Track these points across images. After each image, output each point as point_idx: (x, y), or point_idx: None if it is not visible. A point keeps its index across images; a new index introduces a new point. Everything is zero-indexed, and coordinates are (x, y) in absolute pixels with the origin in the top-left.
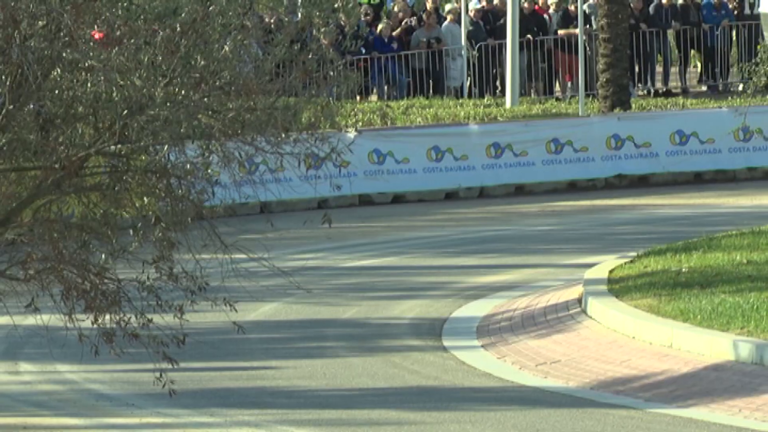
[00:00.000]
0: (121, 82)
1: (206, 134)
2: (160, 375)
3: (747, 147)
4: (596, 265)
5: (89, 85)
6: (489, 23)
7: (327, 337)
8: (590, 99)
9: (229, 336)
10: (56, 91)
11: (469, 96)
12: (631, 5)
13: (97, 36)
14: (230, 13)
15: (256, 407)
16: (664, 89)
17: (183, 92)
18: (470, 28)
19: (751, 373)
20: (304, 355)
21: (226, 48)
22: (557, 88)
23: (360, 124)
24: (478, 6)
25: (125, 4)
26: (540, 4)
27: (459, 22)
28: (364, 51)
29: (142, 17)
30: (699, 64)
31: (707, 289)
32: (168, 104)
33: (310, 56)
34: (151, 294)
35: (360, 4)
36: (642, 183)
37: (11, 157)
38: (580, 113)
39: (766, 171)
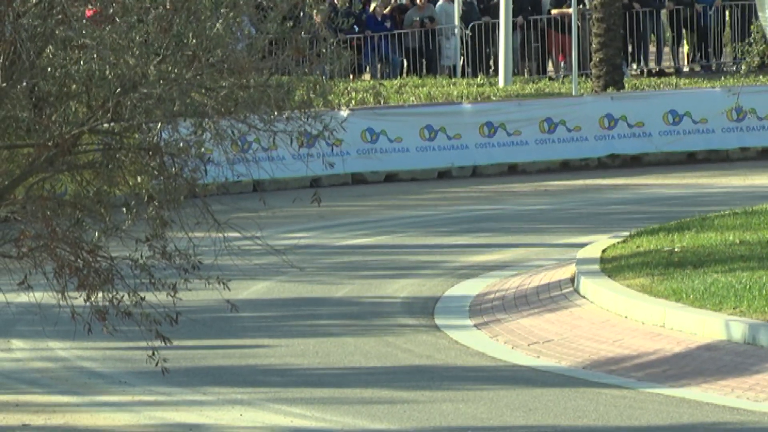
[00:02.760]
0: (114, 60)
1: (199, 112)
2: (153, 353)
3: (740, 127)
4: (589, 245)
5: (82, 63)
6: (482, 2)
7: (320, 315)
8: (583, 78)
9: (222, 314)
10: (49, 69)
11: (463, 75)
12: None
13: (89, 13)
14: None
15: (249, 385)
16: (657, 69)
17: (176, 70)
18: (464, 7)
19: (743, 353)
20: (296, 333)
21: (219, 26)
22: (550, 67)
23: (353, 102)
24: None
25: None
26: None
27: (453, 1)
28: (357, 29)
29: None
30: (686, 46)
31: (700, 269)
32: (161, 82)
33: (302, 34)
34: (144, 272)
35: None
36: (635, 163)
37: (4, 134)
38: (573, 93)
39: (759, 151)
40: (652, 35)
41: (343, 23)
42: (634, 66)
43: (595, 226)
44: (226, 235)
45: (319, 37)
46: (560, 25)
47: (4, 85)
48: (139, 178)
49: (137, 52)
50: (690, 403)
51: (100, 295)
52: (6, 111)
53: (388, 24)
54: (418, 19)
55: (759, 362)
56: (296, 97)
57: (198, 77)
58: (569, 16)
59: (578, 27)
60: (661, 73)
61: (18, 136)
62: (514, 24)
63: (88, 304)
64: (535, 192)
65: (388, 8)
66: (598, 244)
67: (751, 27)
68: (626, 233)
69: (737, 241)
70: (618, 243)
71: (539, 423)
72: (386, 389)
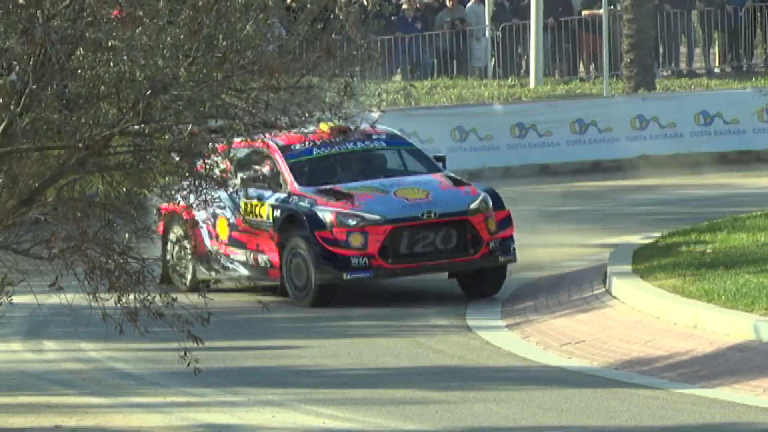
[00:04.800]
0: (144, 62)
1: (230, 114)
2: (185, 354)
3: None
4: (621, 246)
5: (112, 65)
6: (513, 3)
7: (352, 316)
8: (614, 79)
9: (254, 315)
10: (79, 71)
11: (494, 76)
12: None
13: (115, 12)
14: None
15: (281, 386)
16: (688, 70)
17: (206, 72)
18: (494, 8)
19: None
20: (328, 334)
21: (249, 27)
22: (581, 68)
23: (384, 104)
24: None
25: None
26: None
27: (483, 2)
28: (387, 31)
29: None
30: (717, 46)
31: (732, 270)
32: (191, 84)
33: (333, 35)
34: (175, 273)
35: None
36: (666, 163)
37: (35, 136)
38: (604, 94)
39: None
40: (683, 36)
41: (374, 25)
42: (665, 67)
43: (626, 227)
44: None
45: (350, 39)
46: (591, 26)
47: (35, 87)
48: (168, 179)
49: (167, 54)
50: (722, 403)
51: (132, 296)
52: (36, 113)
53: (418, 25)
54: (448, 20)
55: None
56: (327, 99)
57: (228, 79)
58: (600, 17)
59: (609, 28)
60: (692, 74)
61: (48, 138)
62: (545, 25)
63: (119, 305)
64: (567, 193)
65: (416, 7)
66: (629, 244)
67: None
68: (658, 234)
69: None
70: (650, 244)
71: (571, 423)
72: (418, 390)
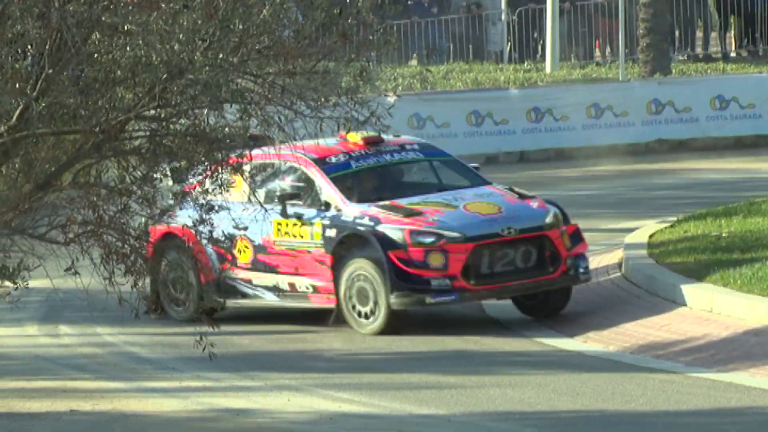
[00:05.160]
0: (160, 46)
1: (245, 98)
2: (201, 338)
3: None
4: (636, 230)
5: (128, 49)
6: None
7: None
8: (630, 64)
9: None
10: (95, 56)
11: (509, 61)
12: None
13: None
14: None
15: (297, 371)
16: (704, 54)
17: (222, 56)
18: None
19: None
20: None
21: (266, 12)
22: (597, 53)
23: (400, 88)
24: None
25: None
26: None
27: None
28: (403, 15)
29: None
30: (733, 31)
31: (747, 254)
32: (207, 68)
33: (349, 20)
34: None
35: None
36: (682, 148)
37: (51, 121)
38: (620, 78)
39: None
40: (699, 20)
41: (390, 9)
42: (681, 51)
43: (642, 211)
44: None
45: (365, 23)
46: (607, 11)
47: (51, 71)
48: (184, 164)
49: (183, 38)
50: (738, 387)
51: (148, 281)
52: (52, 97)
53: (434, 10)
54: (464, 4)
55: None
56: (343, 84)
57: (244, 63)
58: (616, 1)
59: (625, 12)
60: (708, 59)
61: (64, 122)
62: (561, 9)
63: (135, 289)
64: (583, 177)
65: None
66: (645, 228)
67: None
68: (673, 218)
69: None
70: (665, 228)
71: (587, 408)
72: (433, 374)
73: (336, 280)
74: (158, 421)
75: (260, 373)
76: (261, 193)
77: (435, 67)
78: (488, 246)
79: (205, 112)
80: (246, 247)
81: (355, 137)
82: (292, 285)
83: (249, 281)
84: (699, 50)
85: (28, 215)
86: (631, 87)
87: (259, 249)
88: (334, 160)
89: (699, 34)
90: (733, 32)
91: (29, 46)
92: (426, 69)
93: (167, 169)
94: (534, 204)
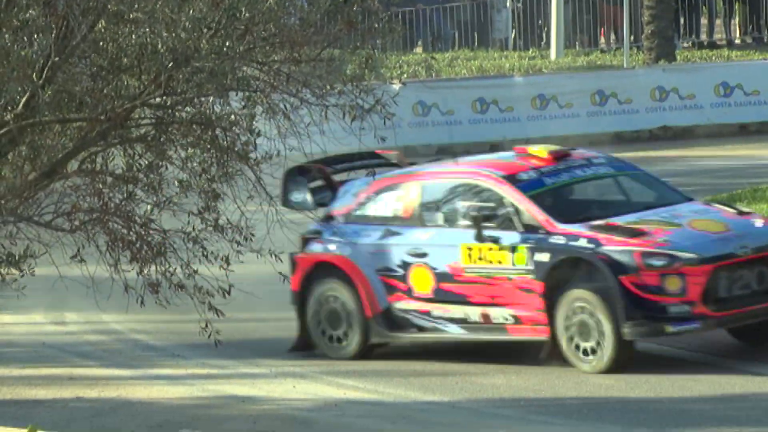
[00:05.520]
0: (166, 34)
1: (251, 86)
2: (206, 325)
3: None
4: None
5: (134, 36)
6: None
7: None
8: (635, 51)
9: (275, 287)
10: (101, 43)
11: (514, 48)
12: None
13: None
14: None
15: (302, 358)
16: (709, 41)
17: (228, 44)
18: None
19: None
20: None
21: (271, 0)
22: (602, 40)
23: (405, 75)
24: None
25: None
26: None
27: None
28: (408, 3)
29: None
30: (738, 17)
31: None
32: (213, 56)
33: (354, 8)
34: (196, 245)
35: None
36: (686, 134)
37: (57, 108)
38: (624, 65)
39: None
40: (704, 7)
41: None
42: (686, 38)
43: None
44: (278, 207)
45: (371, 11)
46: None
47: (57, 59)
48: (190, 152)
49: (189, 26)
50: (742, 376)
51: (153, 268)
52: (58, 85)
53: None
54: None
55: None
56: (348, 71)
57: (250, 51)
58: None
59: None
60: (712, 46)
61: (70, 110)
62: None
63: (140, 277)
64: None
65: None
66: None
67: None
68: None
69: None
70: None
71: (591, 394)
72: (438, 362)
73: (549, 310)
74: (163, 408)
75: (265, 360)
76: (438, 216)
77: (440, 54)
78: (726, 267)
79: (211, 100)
80: (424, 275)
81: (540, 151)
82: (485, 316)
83: (427, 313)
84: (704, 37)
85: (34, 202)
86: (635, 74)
87: (443, 277)
88: (525, 176)
89: (704, 21)
90: (737, 19)
91: (35, 34)
92: (431, 56)
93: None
94: (755, 220)
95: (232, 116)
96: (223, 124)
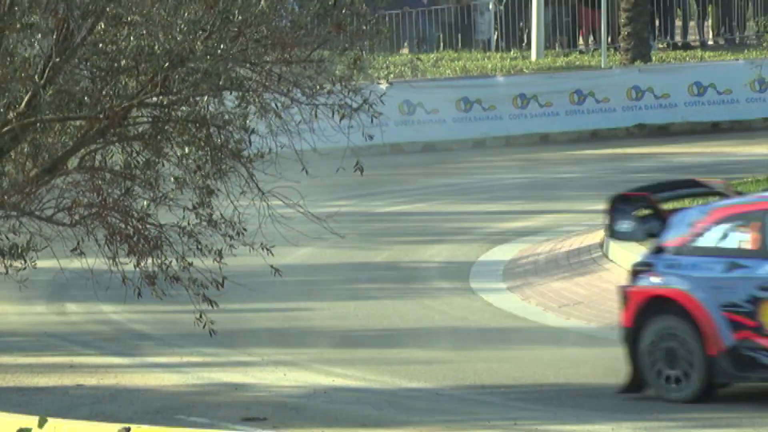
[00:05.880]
0: (162, 36)
1: (244, 86)
2: (201, 316)
3: (763, 98)
4: None
5: (132, 39)
6: None
7: (360, 279)
8: (612, 52)
9: (266, 279)
10: (100, 45)
11: (497, 49)
12: None
13: None
14: None
15: (292, 347)
16: (683, 42)
17: (222, 46)
18: None
19: None
20: (337, 297)
21: (263, 3)
22: (581, 41)
23: (392, 76)
24: None
25: None
26: None
27: None
28: (395, 6)
29: None
30: (711, 20)
31: None
32: (207, 57)
33: (343, 11)
34: (191, 239)
35: None
36: (661, 132)
37: (58, 108)
38: (602, 65)
39: None
40: (678, 10)
41: (382, 0)
42: (661, 39)
43: None
44: (270, 203)
45: (359, 14)
46: (590, 1)
47: (58, 60)
48: (186, 149)
49: (185, 28)
50: None
51: (150, 260)
52: (59, 85)
53: (425, 0)
54: None
55: None
56: (337, 72)
57: (243, 52)
58: None
59: (608, 2)
60: (686, 47)
61: (70, 109)
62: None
63: (138, 269)
64: (566, 161)
65: None
66: None
67: None
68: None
69: None
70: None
71: (569, 381)
72: (423, 350)
73: None
74: (160, 395)
75: (257, 349)
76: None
77: (425, 55)
78: None
79: (206, 99)
80: None
81: None
82: None
83: None
84: (678, 39)
85: (36, 198)
86: (612, 74)
87: None
88: None
89: (678, 23)
90: (710, 21)
91: (37, 36)
92: (416, 57)
93: None
94: None
95: (226, 115)
96: (217, 123)
